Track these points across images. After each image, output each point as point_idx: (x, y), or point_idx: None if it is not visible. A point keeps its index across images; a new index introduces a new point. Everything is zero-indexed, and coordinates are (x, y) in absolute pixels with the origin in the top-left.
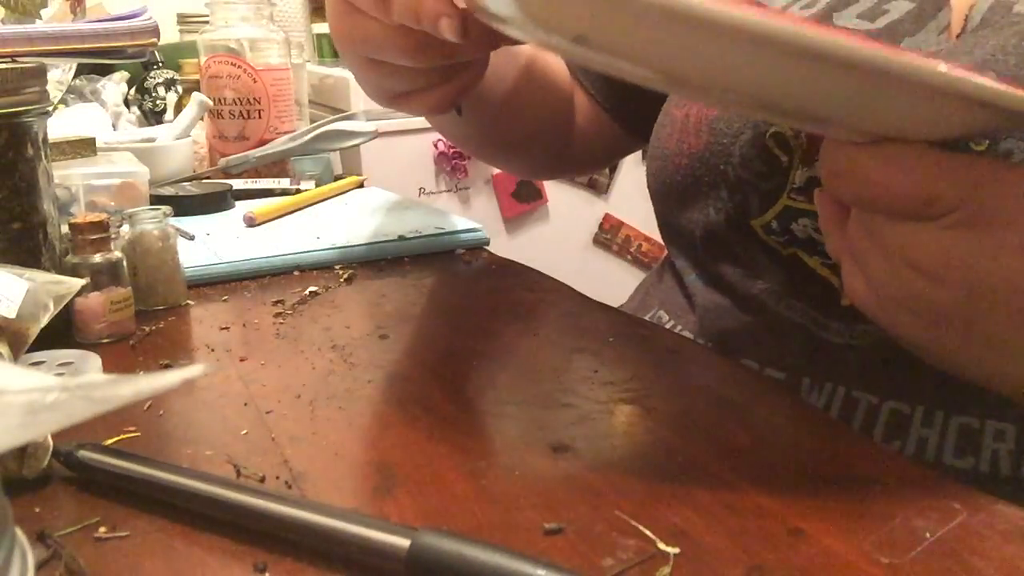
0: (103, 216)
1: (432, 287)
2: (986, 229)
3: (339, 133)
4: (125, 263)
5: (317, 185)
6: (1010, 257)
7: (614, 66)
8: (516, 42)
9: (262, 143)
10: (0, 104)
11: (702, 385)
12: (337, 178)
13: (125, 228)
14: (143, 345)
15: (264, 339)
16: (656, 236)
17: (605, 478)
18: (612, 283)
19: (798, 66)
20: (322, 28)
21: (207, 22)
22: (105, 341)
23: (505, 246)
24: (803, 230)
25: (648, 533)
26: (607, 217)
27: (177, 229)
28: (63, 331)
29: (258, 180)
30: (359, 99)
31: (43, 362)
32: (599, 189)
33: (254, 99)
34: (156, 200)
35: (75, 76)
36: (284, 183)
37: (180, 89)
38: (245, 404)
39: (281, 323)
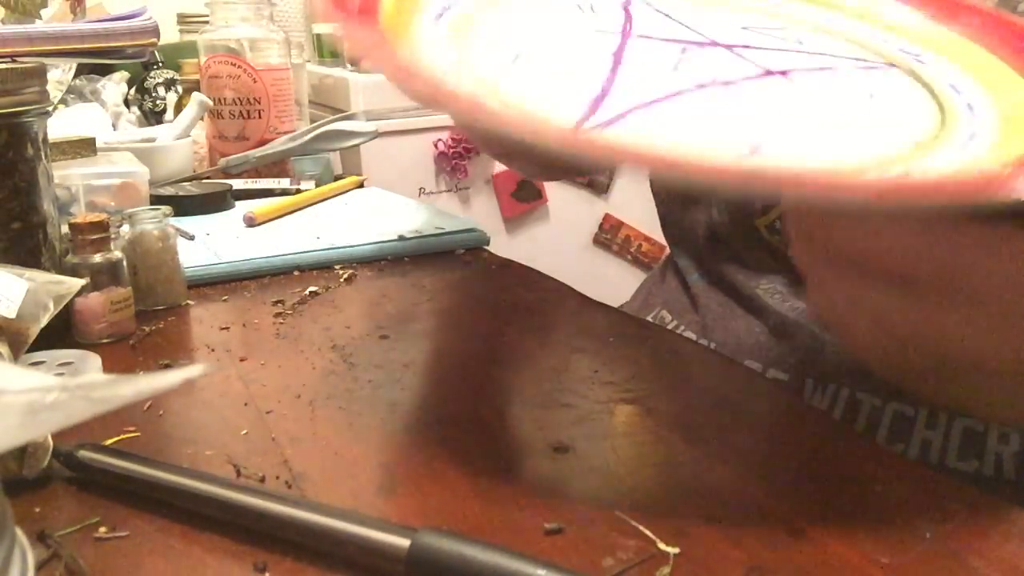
0: (103, 216)
1: (432, 287)
2: (961, 304)
3: (339, 133)
4: (125, 263)
5: (317, 185)
6: (978, 333)
7: None
8: None
9: (262, 143)
10: (0, 104)
11: (702, 385)
12: (337, 178)
13: (125, 228)
14: (143, 345)
15: (264, 339)
16: (656, 236)
17: (605, 478)
18: (612, 283)
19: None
20: (322, 28)
21: (207, 22)
22: (105, 341)
23: (505, 246)
24: None
25: (648, 533)
26: (607, 217)
27: (177, 229)
28: (63, 331)
29: (258, 180)
30: (359, 99)
31: (43, 362)
32: (599, 189)
33: (254, 99)
34: (156, 200)
35: (75, 76)
36: (284, 183)
37: (180, 89)
38: (245, 404)
39: (281, 323)
